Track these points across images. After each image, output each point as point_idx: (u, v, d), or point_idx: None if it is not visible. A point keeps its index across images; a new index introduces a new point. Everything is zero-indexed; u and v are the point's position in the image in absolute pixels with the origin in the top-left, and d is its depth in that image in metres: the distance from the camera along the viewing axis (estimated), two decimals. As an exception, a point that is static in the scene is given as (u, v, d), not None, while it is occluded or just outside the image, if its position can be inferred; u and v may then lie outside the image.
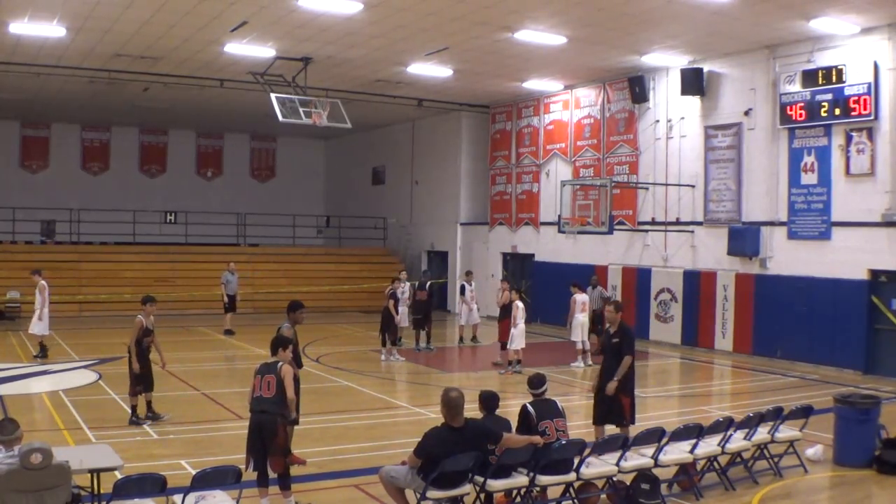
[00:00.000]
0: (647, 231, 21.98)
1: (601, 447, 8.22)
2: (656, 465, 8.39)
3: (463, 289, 21.28)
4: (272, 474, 7.99)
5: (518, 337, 16.52)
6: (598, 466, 8.08)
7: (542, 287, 25.21)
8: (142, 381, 11.55)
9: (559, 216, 22.19)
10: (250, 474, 8.09)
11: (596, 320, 18.24)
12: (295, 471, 9.30)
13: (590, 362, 17.76)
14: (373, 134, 34.05)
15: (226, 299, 22.33)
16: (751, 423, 9.40)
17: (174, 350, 17.19)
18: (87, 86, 24.04)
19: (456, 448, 7.05)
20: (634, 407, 9.93)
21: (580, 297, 17.83)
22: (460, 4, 16.18)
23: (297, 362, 9.79)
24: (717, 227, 20.05)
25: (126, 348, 11.75)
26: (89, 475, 7.01)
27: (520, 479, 7.59)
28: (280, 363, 8.32)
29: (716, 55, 19.88)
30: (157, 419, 11.60)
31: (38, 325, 17.25)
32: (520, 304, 16.90)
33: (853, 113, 16.89)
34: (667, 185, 21.25)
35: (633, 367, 9.75)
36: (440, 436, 7.15)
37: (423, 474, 7.09)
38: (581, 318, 17.67)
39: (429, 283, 20.32)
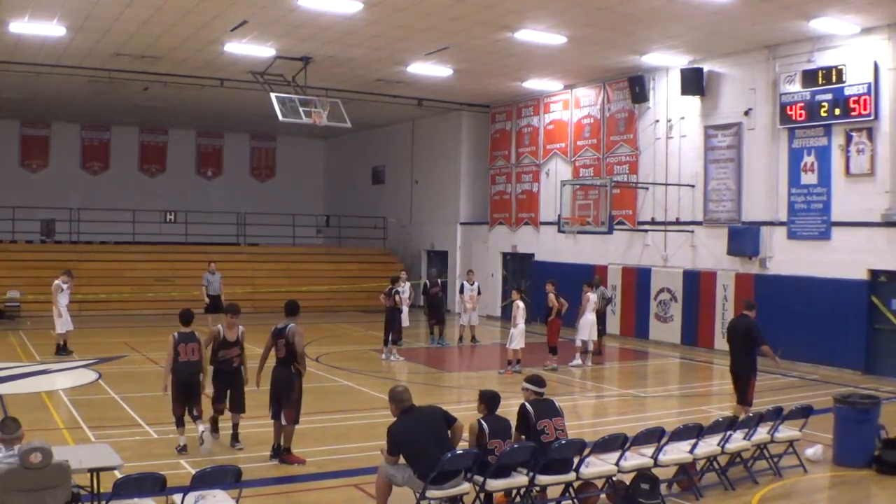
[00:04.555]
0: (646, 231, 21.98)
1: (601, 447, 8.23)
2: (656, 464, 8.39)
3: (462, 288, 21.29)
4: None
5: (518, 337, 16.49)
6: (597, 466, 8.08)
7: (542, 287, 25.08)
8: (217, 401, 10.23)
9: (559, 216, 22.19)
10: (250, 473, 8.15)
11: (597, 320, 18.24)
12: (295, 470, 9.37)
13: (589, 363, 17.75)
14: (373, 133, 34.03)
15: (207, 300, 21.84)
16: (750, 423, 9.40)
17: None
18: (87, 85, 24.03)
19: (419, 425, 7.26)
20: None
21: (592, 296, 17.87)
22: (460, 4, 16.18)
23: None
24: (717, 227, 20.05)
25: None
26: (89, 474, 7.01)
27: (519, 479, 7.59)
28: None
29: (716, 55, 19.87)
30: (236, 446, 10.16)
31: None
32: (520, 304, 16.89)
33: (853, 113, 16.89)
34: (667, 184, 21.25)
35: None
36: (400, 424, 7.34)
37: (422, 474, 7.10)
38: (591, 318, 17.69)
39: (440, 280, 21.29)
